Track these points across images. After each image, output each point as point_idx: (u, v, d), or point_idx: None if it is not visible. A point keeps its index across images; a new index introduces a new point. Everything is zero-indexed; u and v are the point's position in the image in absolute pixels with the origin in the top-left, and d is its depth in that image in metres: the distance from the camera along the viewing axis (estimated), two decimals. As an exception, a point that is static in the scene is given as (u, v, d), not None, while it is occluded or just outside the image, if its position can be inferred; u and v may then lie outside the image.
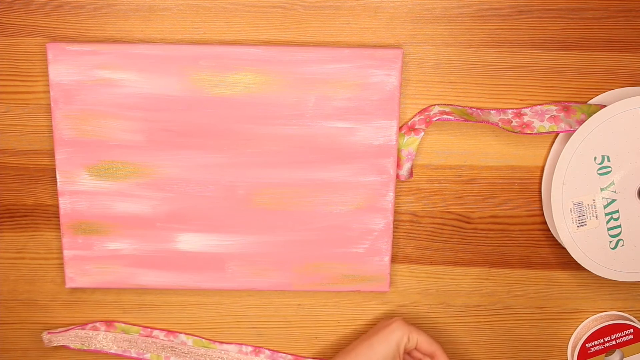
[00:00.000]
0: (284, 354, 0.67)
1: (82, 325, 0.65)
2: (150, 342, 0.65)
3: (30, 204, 0.63)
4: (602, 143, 0.59)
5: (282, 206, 0.61)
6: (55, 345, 0.65)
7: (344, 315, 0.66)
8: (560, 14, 0.60)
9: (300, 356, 0.67)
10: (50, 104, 0.60)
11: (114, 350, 0.65)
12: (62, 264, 0.64)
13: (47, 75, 0.60)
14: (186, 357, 0.65)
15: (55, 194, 0.63)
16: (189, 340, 0.66)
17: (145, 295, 0.65)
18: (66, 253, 0.62)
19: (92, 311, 0.66)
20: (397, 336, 0.59)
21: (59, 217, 0.63)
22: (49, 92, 0.60)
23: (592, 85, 0.61)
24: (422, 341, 0.60)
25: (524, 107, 0.61)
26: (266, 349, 0.66)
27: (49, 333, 0.65)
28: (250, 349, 0.66)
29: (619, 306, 0.67)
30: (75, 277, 0.63)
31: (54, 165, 0.62)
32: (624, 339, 0.66)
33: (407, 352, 0.62)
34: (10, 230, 0.64)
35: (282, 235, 0.62)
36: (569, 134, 0.61)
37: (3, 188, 0.63)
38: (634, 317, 0.67)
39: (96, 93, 0.59)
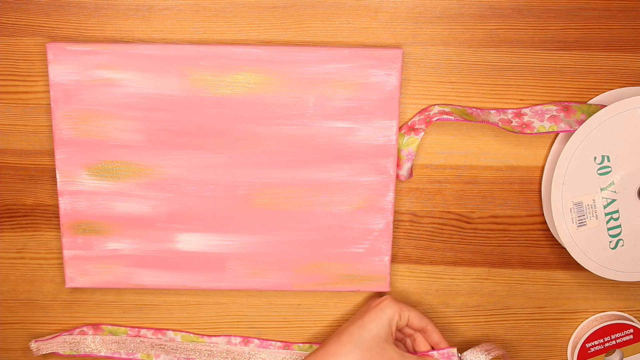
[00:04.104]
0: (274, 342, 0.66)
1: (70, 330, 0.65)
2: (138, 341, 0.65)
3: (30, 204, 0.63)
4: (602, 143, 0.59)
5: (282, 206, 0.61)
6: (44, 353, 0.65)
7: (344, 315, 0.66)
8: (560, 14, 0.60)
9: (290, 342, 0.66)
10: (50, 104, 0.60)
11: (103, 353, 0.65)
12: (62, 264, 0.64)
13: (47, 75, 0.60)
14: (176, 352, 0.65)
15: (55, 194, 0.63)
16: (178, 336, 0.66)
17: (145, 295, 0.65)
18: (66, 253, 0.62)
19: (92, 311, 0.66)
20: (388, 314, 0.59)
21: (59, 217, 0.63)
22: (49, 92, 0.60)
23: (592, 85, 0.61)
24: (413, 317, 0.60)
25: (524, 107, 0.61)
26: (255, 338, 0.66)
27: (36, 341, 0.65)
28: (239, 339, 0.66)
29: (619, 306, 0.67)
30: (75, 277, 0.63)
31: (54, 165, 0.62)
32: (624, 339, 0.66)
33: (399, 329, 0.62)
34: (10, 230, 0.64)
35: (282, 235, 0.62)
36: (569, 134, 0.61)
37: (3, 188, 0.63)
38: (634, 317, 0.67)
39: (96, 93, 0.59)
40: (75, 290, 0.65)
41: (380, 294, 0.65)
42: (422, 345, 0.62)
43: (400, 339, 0.63)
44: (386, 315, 0.59)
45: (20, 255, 0.64)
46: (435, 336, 0.61)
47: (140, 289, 0.65)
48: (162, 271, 0.63)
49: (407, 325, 0.61)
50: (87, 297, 0.65)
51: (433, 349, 0.62)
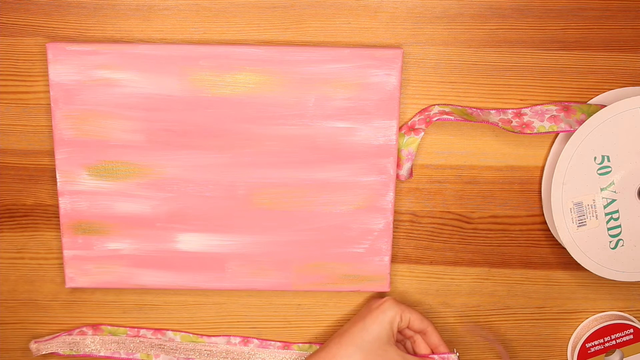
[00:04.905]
0: (273, 342, 0.66)
1: (69, 331, 0.65)
2: (138, 341, 0.65)
3: (30, 204, 0.63)
4: (602, 143, 0.59)
5: (282, 206, 0.61)
6: (44, 353, 0.65)
7: (344, 315, 0.66)
8: (560, 14, 0.60)
9: (290, 342, 0.66)
10: (50, 104, 0.60)
11: (102, 352, 0.65)
12: (62, 264, 0.64)
13: (47, 75, 0.60)
14: (175, 352, 0.65)
15: (55, 194, 0.63)
16: (177, 337, 0.66)
17: (145, 295, 0.65)
18: (66, 253, 0.62)
19: (92, 311, 0.66)
20: (389, 316, 0.59)
21: (59, 217, 0.63)
22: (49, 92, 0.60)
23: (592, 85, 0.61)
24: (413, 319, 0.60)
25: (524, 107, 0.61)
26: (255, 338, 0.66)
27: (35, 342, 0.65)
28: (238, 339, 0.66)
29: (619, 306, 0.67)
30: (75, 277, 0.63)
31: (54, 165, 0.62)
32: (624, 339, 0.66)
33: (399, 331, 0.62)
34: (10, 230, 0.64)
35: (282, 235, 0.62)
36: (569, 134, 0.61)
37: (3, 188, 0.63)
38: (634, 317, 0.67)
39: (96, 93, 0.59)
40: (75, 290, 0.65)
41: (381, 295, 0.65)
42: (422, 347, 0.62)
43: (400, 340, 0.63)
44: (387, 317, 0.59)
45: (20, 255, 0.64)
46: (435, 339, 0.61)
47: (140, 289, 0.65)
48: (162, 271, 0.63)
49: (407, 327, 0.61)
50: (87, 297, 0.65)
51: (433, 351, 0.62)
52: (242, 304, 0.66)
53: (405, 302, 0.66)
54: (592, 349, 0.66)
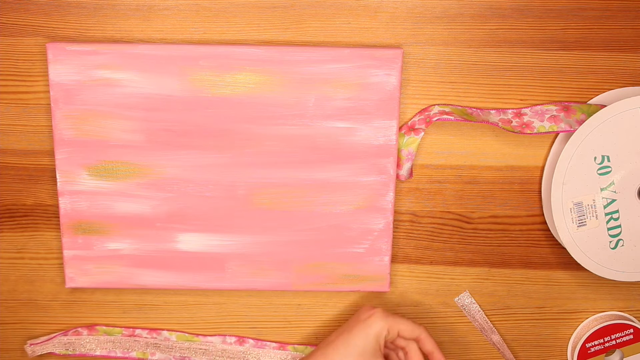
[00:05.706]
0: (268, 342, 0.66)
1: (64, 332, 0.65)
2: (133, 341, 0.65)
3: (30, 204, 0.63)
4: (602, 143, 0.59)
5: (282, 206, 0.61)
6: (40, 354, 0.65)
7: (344, 315, 0.66)
8: (560, 14, 0.60)
9: (289, 342, 0.66)
10: (50, 104, 0.60)
11: (98, 352, 0.65)
12: (62, 264, 0.64)
13: (47, 75, 0.60)
14: (171, 351, 0.65)
15: (55, 194, 0.63)
16: (172, 336, 0.66)
17: (145, 295, 0.65)
18: (66, 253, 0.62)
19: (92, 311, 0.66)
20: (375, 329, 0.58)
21: (59, 217, 0.63)
22: (49, 92, 0.60)
23: (592, 85, 0.61)
24: (403, 330, 0.59)
25: (524, 107, 0.61)
26: (250, 338, 0.66)
27: (31, 344, 0.65)
28: (234, 339, 0.66)
29: (619, 306, 0.67)
30: (75, 277, 0.63)
31: (54, 165, 0.62)
32: (624, 339, 0.66)
33: (391, 341, 0.61)
34: (10, 230, 0.64)
35: (282, 235, 0.62)
36: (569, 134, 0.61)
37: (3, 188, 0.63)
38: (634, 317, 0.67)
39: (96, 93, 0.59)
40: (75, 290, 0.65)
41: (378, 294, 0.65)
42: (414, 358, 0.60)
43: (393, 349, 0.63)
44: (373, 331, 0.58)
45: (20, 255, 0.64)
46: (429, 345, 0.60)
47: (140, 289, 0.65)
48: (162, 271, 0.63)
49: (399, 336, 0.60)
50: (87, 297, 0.65)
51: (428, 357, 0.61)
52: (242, 304, 0.66)
53: (405, 303, 0.66)
54: (592, 349, 0.66)
